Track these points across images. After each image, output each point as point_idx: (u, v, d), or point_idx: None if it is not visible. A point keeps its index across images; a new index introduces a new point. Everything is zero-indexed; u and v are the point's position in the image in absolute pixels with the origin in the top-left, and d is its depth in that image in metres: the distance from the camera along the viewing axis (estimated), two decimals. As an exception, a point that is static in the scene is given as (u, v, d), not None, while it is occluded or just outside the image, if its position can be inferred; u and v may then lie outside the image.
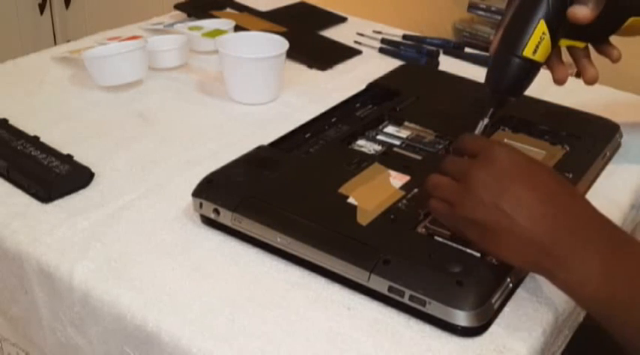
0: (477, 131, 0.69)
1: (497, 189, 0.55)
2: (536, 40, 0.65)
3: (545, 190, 0.56)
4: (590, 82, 0.72)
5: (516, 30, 0.67)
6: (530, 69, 0.67)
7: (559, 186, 0.57)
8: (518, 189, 0.55)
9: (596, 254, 0.53)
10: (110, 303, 0.61)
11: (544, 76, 0.72)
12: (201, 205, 0.68)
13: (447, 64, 1.11)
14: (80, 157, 0.78)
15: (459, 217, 0.58)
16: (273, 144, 0.78)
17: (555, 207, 0.55)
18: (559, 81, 0.72)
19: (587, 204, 0.56)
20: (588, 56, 0.73)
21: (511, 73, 0.67)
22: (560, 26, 0.67)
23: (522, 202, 0.55)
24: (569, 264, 0.53)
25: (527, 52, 0.66)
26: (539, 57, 0.66)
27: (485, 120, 0.69)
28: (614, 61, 0.73)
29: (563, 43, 0.71)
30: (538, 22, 0.65)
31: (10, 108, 0.89)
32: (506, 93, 0.69)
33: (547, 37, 0.65)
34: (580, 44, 0.72)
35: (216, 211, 0.67)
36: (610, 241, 0.54)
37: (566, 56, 0.73)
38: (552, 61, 0.71)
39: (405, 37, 1.20)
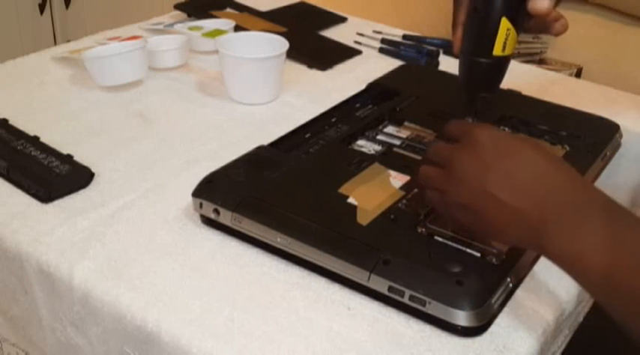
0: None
1: (480, 170, 0.55)
2: (503, 38, 0.65)
3: (528, 165, 0.54)
4: (559, 33, 0.68)
5: (481, 32, 0.66)
6: (503, 64, 0.67)
7: (544, 159, 0.55)
8: (501, 167, 0.55)
9: (588, 225, 0.51)
10: (110, 303, 0.61)
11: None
12: (201, 205, 0.68)
13: (447, 64, 1.11)
14: (80, 157, 0.78)
15: (450, 204, 0.58)
16: (273, 144, 0.78)
17: (540, 181, 0.54)
18: (559, 32, 0.68)
19: (575, 174, 0.54)
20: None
21: (485, 74, 0.67)
22: (521, 14, 0.65)
23: (506, 180, 0.54)
24: (561, 237, 0.51)
25: (497, 51, 0.65)
26: (508, 51, 0.66)
27: (469, 120, 0.70)
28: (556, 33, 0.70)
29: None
30: (500, 21, 0.64)
31: (10, 108, 0.89)
32: (482, 92, 0.69)
33: (512, 30, 0.64)
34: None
35: (216, 211, 0.67)
36: (603, 211, 0.52)
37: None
38: (534, 28, 0.68)
39: (405, 37, 1.20)
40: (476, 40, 0.66)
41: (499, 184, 0.54)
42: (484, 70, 0.66)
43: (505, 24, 0.64)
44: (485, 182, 0.54)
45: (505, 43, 0.65)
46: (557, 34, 0.67)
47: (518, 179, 0.54)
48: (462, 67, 0.69)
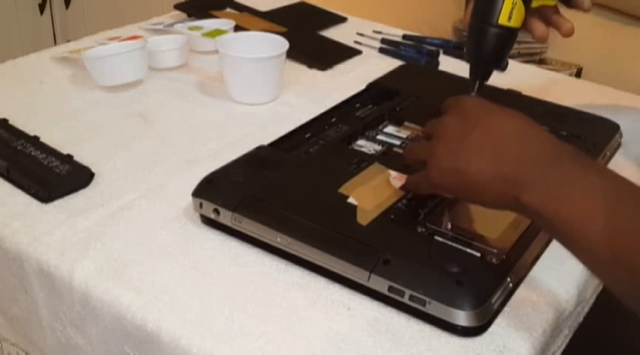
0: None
1: (463, 132, 0.56)
2: (509, 7, 0.66)
3: (510, 126, 0.56)
4: (567, 34, 0.72)
5: (487, 0, 0.67)
6: (508, 36, 0.68)
7: (524, 123, 0.56)
8: (484, 127, 0.56)
9: (577, 187, 0.50)
10: (110, 303, 0.61)
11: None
12: (201, 205, 0.68)
13: (447, 64, 1.11)
14: (80, 157, 0.78)
15: (433, 172, 0.58)
16: (273, 144, 0.78)
17: (521, 140, 0.54)
18: (540, 38, 0.72)
19: (553, 138, 0.55)
20: (558, 12, 0.73)
21: (489, 42, 0.67)
22: None
23: (489, 138, 0.55)
24: (546, 196, 0.51)
25: (502, 20, 0.66)
26: (514, 23, 0.67)
27: (472, 94, 0.70)
28: (565, 33, 0.72)
29: (534, 3, 0.71)
30: None
31: (10, 108, 0.89)
32: (487, 64, 0.69)
33: (519, 2, 0.65)
34: (550, 2, 0.73)
35: (216, 211, 0.67)
36: (582, 169, 0.52)
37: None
38: (529, 22, 0.71)
39: (405, 37, 1.20)
40: (483, 7, 0.67)
41: (482, 142, 0.55)
42: (490, 37, 0.67)
43: None
44: (469, 141, 0.56)
45: (511, 13, 0.65)
46: (566, 35, 0.70)
47: (500, 138, 0.55)
48: (468, 37, 0.70)
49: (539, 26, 0.71)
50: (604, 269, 0.51)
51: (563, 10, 0.73)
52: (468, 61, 0.71)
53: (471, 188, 0.56)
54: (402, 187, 0.68)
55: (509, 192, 0.53)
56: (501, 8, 0.66)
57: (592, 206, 0.49)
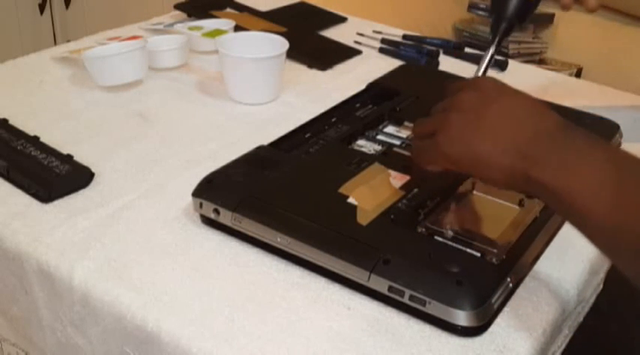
0: (484, 59, 0.69)
1: (481, 106, 0.57)
2: None
3: (525, 108, 0.56)
4: (592, 9, 0.72)
5: None
6: (529, 5, 0.68)
7: (539, 106, 0.57)
8: (500, 106, 0.56)
9: (585, 161, 0.52)
10: (110, 303, 0.61)
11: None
12: (201, 205, 0.68)
13: (447, 64, 1.11)
14: (80, 157, 0.78)
15: (443, 141, 0.58)
16: (273, 144, 0.78)
17: (534, 121, 0.55)
18: (565, 6, 0.72)
19: (563, 119, 0.56)
20: None
21: (510, 12, 0.67)
22: None
23: (504, 117, 0.56)
24: (561, 162, 0.52)
25: None
26: None
27: (492, 49, 0.69)
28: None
29: None
30: None
31: (10, 108, 0.89)
32: (511, 19, 0.68)
33: None
34: None
35: (216, 211, 0.67)
36: (590, 145, 0.53)
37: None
38: None
39: (405, 37, 1.20)
40: None
41: (498, 117, 0.56)
42: (512, 7, 0.67)
43: None
44: (486, 115, 0.56)
45: None
46: (591, 10, 0.70)
47: (515, 116, 0.56)
48: (490, 6, 0.70)
49: None
50: (609, 241, 0.51)
51: (564, 12, 0.74)
52: (490, 15, 0.70)
53: (480, 160, 0.56)
54: (410, 159, 0.66)
55: (519, 166, 0.54)
56: None
57: (599, 178, 0.50)
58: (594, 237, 0.52)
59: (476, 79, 0.61)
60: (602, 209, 0.50)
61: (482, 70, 0.71)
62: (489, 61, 0.69)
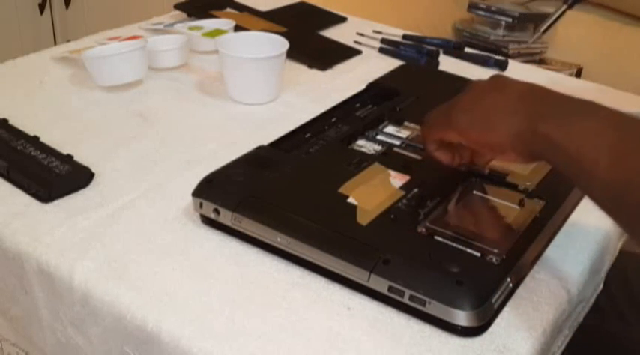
0: (553, 15, 0.70)
1: (490, 87, 0.60)
2: None
3: (536, 87, 0.59)
4: None
5: None
6: None
7: (550, 89, 0.59)
8: (511, 88, 0.59)
9: (587, 119, 0.54)
10: (110, 303, 0.61)
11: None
12: (201, 205, 0.68)
13: (447, 64, 1.11)
14: (80, 157, 0.78)
15: (453, 111, 0.61)
16: (273, 144, 0.78)
17: (544, 94, 0.58)
18: None
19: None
20: None
21: None
22: None
23: (514, 93, 0.58)
24: (556, 125, 0.54)
25: None
26: None
27: (564, 7, 0.70)
28: None
29: None
30: None
31: (10, 108, 0.89)
32: None
33: None
34: None
35: (216, 211, 0.67)
36: (598, 107, 0.55)
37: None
38: None
39: (405, 37, 1.20)
40: None
41: (508, 91, 0.59)
42: None
43: None
44: (496, 93, 0.59)
45: None
46: None
47: (526, 91, 0.58)
48: None
49: None
50: (613, 198, 0.52)
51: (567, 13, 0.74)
52: None
53: (488, 123, 0.58)
54: (422, 128, 0.68)
55: (525, 123, 0.56)
56: None
57: (601, 133, 0.52)
58: (596, 194, 0.53)
59: (477, 81, 0.64)
60: (604, 163, 0.51)
61: (546, 25, 0.72)
62: (559, 17, 0.69)
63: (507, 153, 0.59)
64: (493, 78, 0.63)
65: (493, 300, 0.58)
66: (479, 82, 0.63)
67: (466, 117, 0.61)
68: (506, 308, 0.60)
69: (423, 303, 0.57)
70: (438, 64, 1.11)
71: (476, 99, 0.61)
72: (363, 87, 0.94)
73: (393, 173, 0.72)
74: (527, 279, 0.64)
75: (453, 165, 0.68)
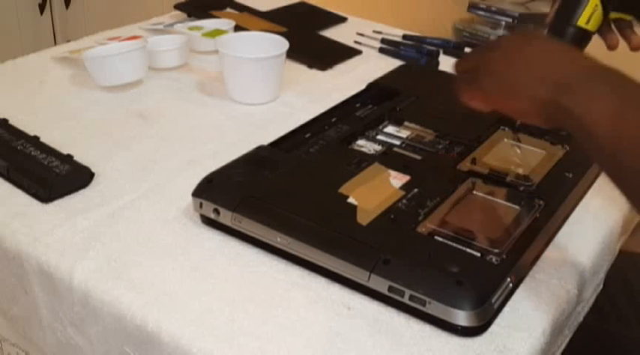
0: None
1: (519, 45, 0.61)
2: (590, 12, 0.70)
3: (561, 49, 0.61)
4: (635, 48, 0.78)
5: (572, 2, 0.72)
6: (583, 37, 0.72)
7: (573, 50, 0.62)
8: (537, 47, 0.60)
9: (595, 90, 0.55)
10: (110, 303, 0.61)
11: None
12: (201, 205, 0.68)
13: (447, 64, 1.11)
14: (80, 157, 0.78)
15: (483, 73, 0.62)
16: (273, 144, 0.78)
17: (570, 58, 0.59)
18: (611, 47, 0.77)
19: (593, 60, 0.59)
20: (632, 27, 0.78)
21: (566, 40, 0.72)
22: (611, 1, 0.72)
23: (542, 53, 0.59)
24: (582, 98, 0.55)
25: (581, 22, 0.71)
26: (591, 26, 0.71)
27: None
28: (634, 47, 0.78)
29: (612, 15, 0.75)
30: None
31: (10, 108, 0.89)
32: None
33: (599, 8, 0.70)
34: (627, 17, 0.77)
35: (216, 211, 0.67)
36: (611, 80, 0.56)
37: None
38: (604, 29, 0.75)
39: (405, 37, 1.20)
40: (567, 8, 0.72)
41: (539, 51, 0.60)
42: (567, 36, 0.72)
43: (595, 0, 0.70)
44: (527, 48, 0.60)
45: (590, 17, 0.70)
46: (634, 49, 0.76)
47: (553, 52, 0.60)
48: (548, 33, 0.74)
49: (612, 36, 0.76)
50: (612, 164, 0.54)
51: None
52: None
53: (515, 92, 0.60)
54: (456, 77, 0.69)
55: (551, 95, 0.57)
56: (582, 12, 0.71)
57: (606, 105, 0.54)
58: (615, 168, 0.55)
59: (517, 31, 0.66)
60: (606, 131, 0.53)
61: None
62: None
63: (531, 118, 0.61)
64: (522, 35, 0.64)
65: (493, 300, 0.58)
66: (508, 39, 0.64)
67: (493, 84, 0.62)
68: (506, 308, 0.60)
69: (423, 303, 0.57)
70: (438, 64, 1.11)
71: (503, 62, 0.61)
72: (363, 87, 0.94)
73: (393, 173, 0.72)
74: (527, 279, 0.64)
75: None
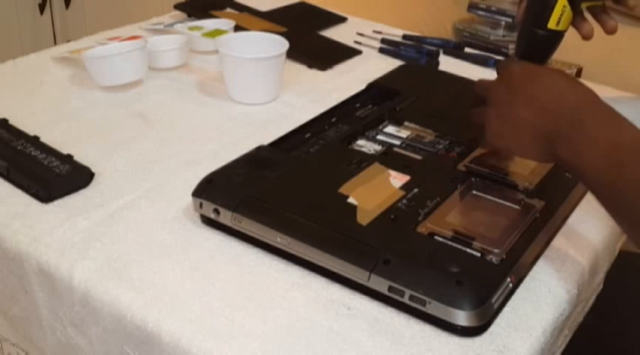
0: None
1: (508, 98, 0.64)
2: (559, 13, 0.70)
3: (550, 88, 0.63)
4: (610, 31, 0.76)
5: (540, 5, 0.71)
6: (555, 38, 0.72)
7: (565, 81, 0.63)
8: (526, 96, 0.63)
9: (590, 132, 0.58)
10: (110, 303, 0.61)
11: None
12: (201, 205, 0.68)
13: (447, 64, 1.11)
14: (80, 157, 0.78)
15: (489, 137, 0.67)
16: (273, 144, 0.78)
17: (558, 100, 0.62)
18: (586, 37, 0.76)
19: (589, 94, 0.62)
20: (606, 11, 0.77)
21: (537, 44, 0.72)
22: None
23: (531, 102, 0.63)
24: (567, 143, 0.59)
25: (551, 25, 0.70)
26: (562, 27, 0.71)
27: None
28: (609, 30, 0.76)
29: (584, 4, 0.74)
30: None
31: (10, 108, 0.89)
32: (534, 62, 0.73)
33: (568, 8, 0.70)
34: (598, 3, 0.76)
35: (216, 211, 0.67)
36: (611, 124, 0.59)
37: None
38: (576, 20, 0.74)
39: (405, 37, 1.20)
40: (535, 12, 0.71)
41: (526, 105, 0.63)
42: (538, 40, 0.72)
43: (562, 1, 0.70)
44: (514, 107, 0.64)
45: (560, 19, 0.70)
46: (609, 32, 0.75)
47: (541, 100, 0.63)
48: (519, 37, 0.75)
49: (585, 25, 0.75)
50: (613, 207, 0.57)
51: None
52: (516, 56, 0.76)
53: (519, 151, 0.65)
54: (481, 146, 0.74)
55: (548, 147, 0.62)
56: (551, 14, 0.70)
57: (601, 160, 0.57)
58: (604, 205, 0.58)
59: (505, 65, 0.68)
60: (602, 184, 0.57)
61: None
62: None
63: (528, 158, 0.66)
64: (503, 77, 0.67)
65: (493, 300, 0.58)
66: (493, 91, 0.67)
67: (500, 144, 0.66)
68: (506, 308, 0.60)
69: (423, 303, 0.57)
70: (438, 64, 1.11)
71: (498, 120, 0.65)
72: (363, 87, 0.94)
73: (393, 173, 0.72)
74: (527, 279, 0.64)
75: None
